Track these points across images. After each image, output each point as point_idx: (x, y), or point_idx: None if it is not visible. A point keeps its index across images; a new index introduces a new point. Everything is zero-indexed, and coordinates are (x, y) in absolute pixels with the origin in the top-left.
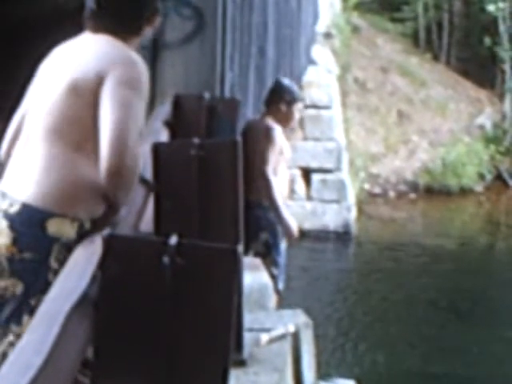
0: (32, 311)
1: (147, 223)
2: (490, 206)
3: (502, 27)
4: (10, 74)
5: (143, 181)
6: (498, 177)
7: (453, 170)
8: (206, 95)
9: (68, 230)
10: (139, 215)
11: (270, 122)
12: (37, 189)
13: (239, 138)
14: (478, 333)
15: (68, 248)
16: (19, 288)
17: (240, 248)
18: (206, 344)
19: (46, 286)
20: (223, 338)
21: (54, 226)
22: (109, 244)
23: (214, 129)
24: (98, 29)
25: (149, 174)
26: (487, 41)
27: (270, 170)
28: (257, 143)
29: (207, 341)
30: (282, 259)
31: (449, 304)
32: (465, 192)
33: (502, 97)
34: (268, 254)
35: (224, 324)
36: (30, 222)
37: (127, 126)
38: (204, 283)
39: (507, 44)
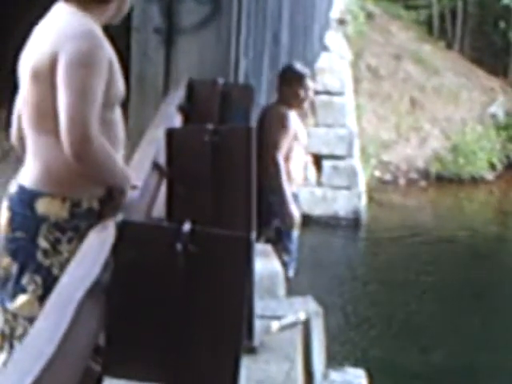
0: (24, 290)
1: (160, 208)
2: (501, 194)
3: None
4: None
5: (156, 166)
6: (510, 166)
7: (464, 159)
8: (220, 81)
9: (57, 210)
10: (152, 200)
11: (282, 107)
12: (28, 171)
13: (254, 125)
14: (493, 320)
15: (60, 227)
16: (14, 267)
17: (253, 236)
18: (218, 331)
19: (36, 266)
20: (235, 326)
21: (42, 206)
22: (122, 230)
23: (228, 115)
24: None
25: (162, 159)
26: (502, 28)
27: (280, 155)
28: (269, 129)
29: (219, 328)
30: (293, 246)
31: (461, 291)
32: (476, 181)
33: None
34: (279, 241)
35: (236, 311)
36: (21, 202)
37: (82, 109)
38: (216, 271)
39: None
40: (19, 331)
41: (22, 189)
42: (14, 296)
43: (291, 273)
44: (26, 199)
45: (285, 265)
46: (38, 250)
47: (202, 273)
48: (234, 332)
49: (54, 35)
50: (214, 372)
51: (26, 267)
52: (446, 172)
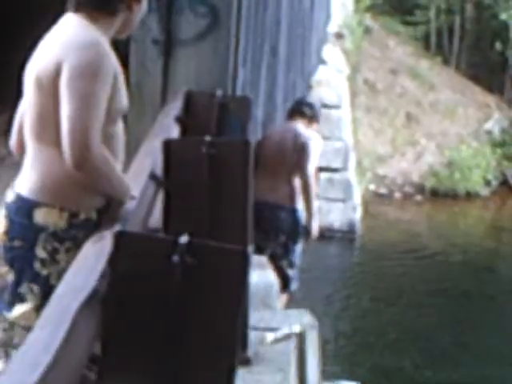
0: (22, 299)
1: (156, 219)
2: (496, 210)
3: None
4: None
5: (153, 176)
6: (504, 182)
7: (459, 174)
8: (218, 93)
9: (56, 220)
10: (149, 211)
11: (305, 128)
12: (26, 180)
13: (253, 140)
14: (491, 334)
15: (58, 237)
16: (11, 276)
17: (250, 249)
18: (213, 343)
19: (33, 275)
20: (230, 337)
21: (40, 216)
22: (119, 241)
23: (225, 126)
24: (75, 8)
25: (159, 170)
26: (498, 45)
27: (312, 170)
28: (300, 148)
29: (214, 339)
30: (298, 261)
31: (456, 304)
32: (471, 196)
33: (510, 103)
34: (285, 256)
35: (231, 323)
36: (19, 211)
37: (85, 118)
38: (213, 283)
39: None
40: (16, 340)
41: (19, 198)
42: (11, 305)
43: (294, 286)
44: (23, 208)
45: (289, 279)
46: (35, 259)
47: (198, 285)
48: (229, 343)
49: (60, 45)
50: (208, 383)
51: (23, 276)
52: (441, 187)
